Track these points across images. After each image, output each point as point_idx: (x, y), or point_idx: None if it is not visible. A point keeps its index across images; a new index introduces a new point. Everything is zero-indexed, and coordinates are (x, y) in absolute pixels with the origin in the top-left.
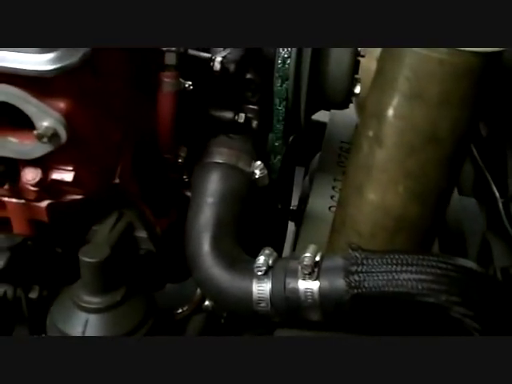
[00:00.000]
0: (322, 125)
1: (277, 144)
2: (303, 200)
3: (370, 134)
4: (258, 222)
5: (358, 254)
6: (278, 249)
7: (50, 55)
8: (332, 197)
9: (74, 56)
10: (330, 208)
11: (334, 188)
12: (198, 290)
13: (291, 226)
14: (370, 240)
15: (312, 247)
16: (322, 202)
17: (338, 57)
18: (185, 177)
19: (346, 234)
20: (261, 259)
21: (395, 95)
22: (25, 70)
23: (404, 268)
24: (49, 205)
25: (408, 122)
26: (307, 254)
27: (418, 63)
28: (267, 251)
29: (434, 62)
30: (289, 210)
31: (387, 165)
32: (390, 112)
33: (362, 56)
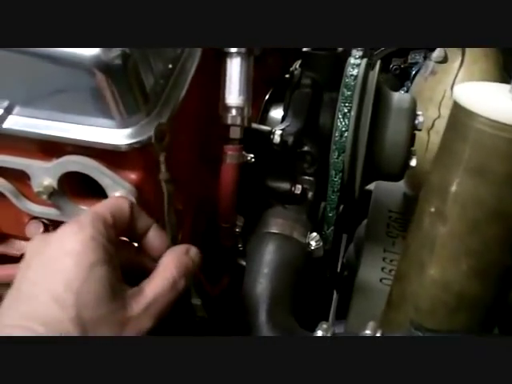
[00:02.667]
0: (365, 192)
1: (330, 215)
2: (347, 267)
3: (432, 209)
4: (307, 291)
5: (421, 334)
6: (324, 317)
7: (127, 131)
8: (383, 268)
9: (149, 132)
10: (381, 280)
11: (384, 259)
12: None
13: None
14: (429, 316)
15: (371, 324)
16: (372, 274)
17: (396, 130)
18: (239, 245)
19: (404, 309)
20: (318, 334)
21: (459, 171)
22: (102, 143)
23: None
24: None
25: (472, 198)
26: (367, 332)
27: (485, 141)
28: (325, 325)
29: (501, 141)
30: (336, 277)
31: (449, 240)
32: (454, 188)
33: (419, 130)
